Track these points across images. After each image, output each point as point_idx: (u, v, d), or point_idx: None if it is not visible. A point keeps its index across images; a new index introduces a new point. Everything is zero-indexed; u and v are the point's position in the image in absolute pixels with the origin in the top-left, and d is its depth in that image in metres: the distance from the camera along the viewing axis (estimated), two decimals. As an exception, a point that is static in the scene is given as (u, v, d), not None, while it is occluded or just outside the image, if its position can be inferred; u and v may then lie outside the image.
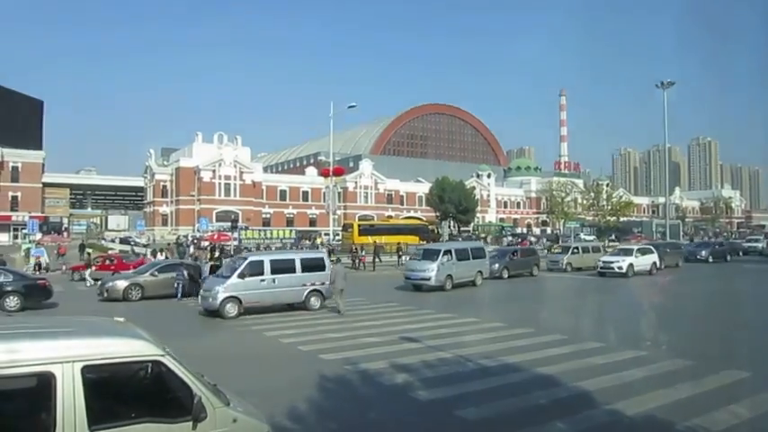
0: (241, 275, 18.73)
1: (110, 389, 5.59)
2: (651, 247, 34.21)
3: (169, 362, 5.59)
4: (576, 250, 36.12)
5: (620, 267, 31.23)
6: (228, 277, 18.85)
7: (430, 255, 26.22)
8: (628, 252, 33.01)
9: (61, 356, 5.19)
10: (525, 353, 13.05)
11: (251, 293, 18.64)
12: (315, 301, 19.81)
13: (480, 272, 27.51)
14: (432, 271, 25.26)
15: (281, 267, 19.49)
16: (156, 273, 24.04)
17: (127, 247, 51.73)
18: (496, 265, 30.42)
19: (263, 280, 18.87)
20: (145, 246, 55.68)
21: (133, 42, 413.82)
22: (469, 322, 17.46)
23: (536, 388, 10.48)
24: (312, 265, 20.09)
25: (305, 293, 19.64)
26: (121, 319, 6.53)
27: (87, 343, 5.40)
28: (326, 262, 20.65)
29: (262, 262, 19.36)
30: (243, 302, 18.54)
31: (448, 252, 26.33)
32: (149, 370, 5.77)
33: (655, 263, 32.91)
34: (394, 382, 10.91)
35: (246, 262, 19.25)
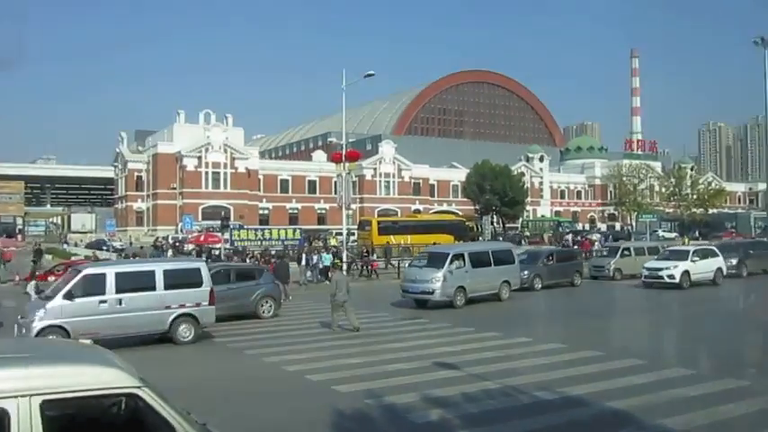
0: (68, 296, 16.12)
1: (75, 428, 5.59)
2: (714, 248, 32.59)
3: (148, 395, 5.53)
4: (626, 252, 35.11)
5: (670, 276, 29.61)
6: (51, 298, 16.37)
7: (435, 260, 25.41)
8: (681, 255, 30.98)
9: (15, 389, 5.15)
10: (592, 382, 12.92)
11: (84, 321, 15.96)
12: (185, 331, 17.58)
13: (507, 282, 26.86)
14: (436, 281, 24.42)
15: (133, 284, 16.97)
16: None
17: (100, 254, 52.40)
18: (526, 273, 29.54)
19: (103, 301, 16.31)
20: (121, 251, 56.35)
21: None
22: (520, 343, 17.50)
23: (608, 428, 10.33)
24: (181, 281, 17.57)
25: (169, 320, 17.31)
26: (88, 342, 6.53)
27: (47, 372, 5.34)
28: (204, 274, 18.15)
29: (103, 276, 16.64)
30: (71, 333, 15.76)
31: (459, 256, 25.34)
32: (123, 405, 5.74)
33: (720, 269, 31.19)
34: (428, 420, 10.88)
35: (79, 276, 16.55)
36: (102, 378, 5.44)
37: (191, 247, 56.21)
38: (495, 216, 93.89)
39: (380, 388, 12.78)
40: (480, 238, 58.49)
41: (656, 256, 33.54)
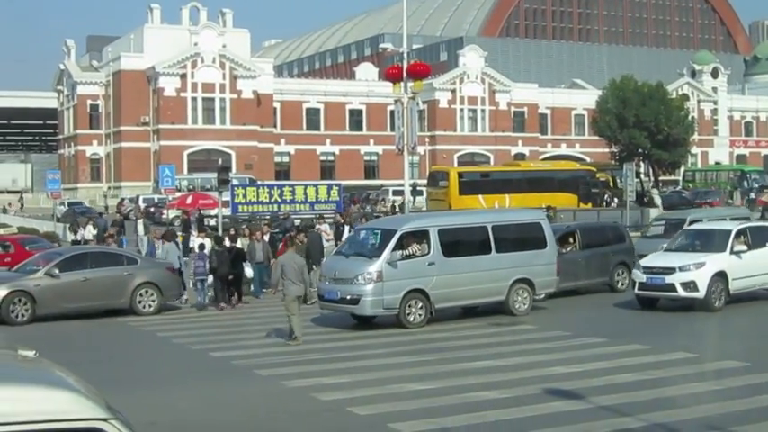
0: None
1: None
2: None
3: (117, 430, 5.80)
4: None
5: (687, 285, 25.00)
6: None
7: (374, 242, 24.64)
8: (707, 239, 27.02)
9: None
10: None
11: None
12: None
13: (525, 282, 25.01)
14: (366, 283, 22.84)
15: None
16: (58, 270, 25.90)
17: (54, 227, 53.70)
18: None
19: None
20: (97, 217, 56.95)
21: None
22: (672, 361, 17.86)
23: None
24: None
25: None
26: (31, 354, 6.80)
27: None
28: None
29: None
30: None
31: (418, 236, 23.89)
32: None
33: None
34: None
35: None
36: (56, 405, 5.67)
37: (173, 214, 57.09)
38: (642, 163, 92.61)
39: (462, 425, 13.12)
40: (622, 198, 57.90)
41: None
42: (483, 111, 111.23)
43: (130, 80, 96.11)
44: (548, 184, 62.37)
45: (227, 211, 46.50)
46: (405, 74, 37.84)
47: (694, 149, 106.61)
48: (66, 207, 71.86)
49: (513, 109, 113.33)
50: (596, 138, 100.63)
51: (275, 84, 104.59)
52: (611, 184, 68.97)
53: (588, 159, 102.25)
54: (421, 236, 23.62)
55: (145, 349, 21.71)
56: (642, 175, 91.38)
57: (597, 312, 26.11)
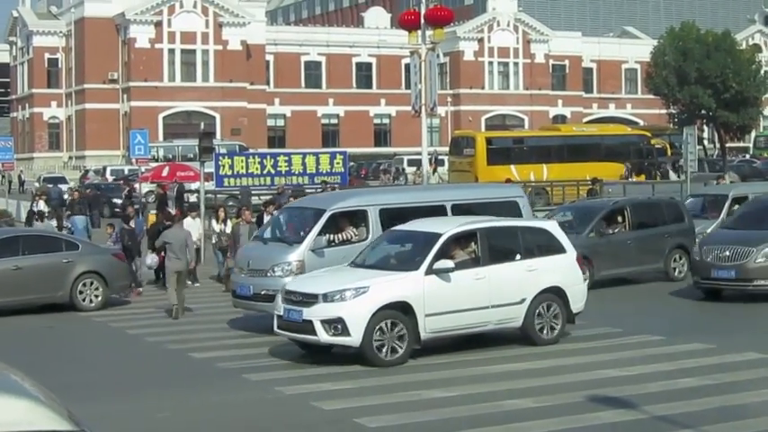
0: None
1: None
2: None
3: (83, 445, 5.84)
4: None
5: (331, 325, 18.75)
6: None
7: (299, 224, 24.10)
8: (414, 246, 21.16)
9: None
10: None
11: None
12: None
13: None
14: (284, 275, 21.93)
15: None
16: None
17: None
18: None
19: None
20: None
21: None
22: (741, 362, 17.91)
23: None
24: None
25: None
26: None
27: None
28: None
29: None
30: None
31: (353, 217, 23.11)
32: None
33: None
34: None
35: None
36: (9, 416, 5.75)
37: (146, 188, 57.17)
38: (705, 127, 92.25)
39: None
40: (681, 168, 57.73)
41: None
42: (516, 64, 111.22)
43: (96, 29, 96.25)
44: (593, 151, 62.29)
45: (210, 185, 46.56)
46: (422, 20, 37.76)
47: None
48: (42, 183, 70.31)
49: (551, 62, 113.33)
50: (651, 97, 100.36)
51: (268, 32, 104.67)
52: (668, 151, 68.83)
53: (641, 122, 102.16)
54: (357, 217, 22.87)
55: (113, 349, 21.81)
56: (706, 141, 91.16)
57: (651, 305, 26.15)
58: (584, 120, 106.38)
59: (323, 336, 18.51)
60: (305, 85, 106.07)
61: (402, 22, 41.72)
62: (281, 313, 19.48)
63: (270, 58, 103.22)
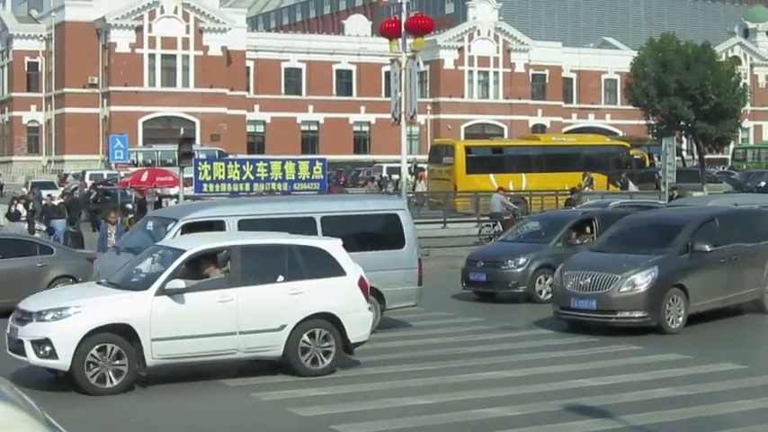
0: None
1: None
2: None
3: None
4: None
5: (40, 346, 17.01)
6: None
7: (154, 234, 22.56)
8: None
9: None
10: None
11: None
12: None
13: (372, 292, 21.16)
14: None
15: None
16: None
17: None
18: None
19: None
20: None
21: None
22: (719, 372, 18.01)
23: None
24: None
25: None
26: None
27: None
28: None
29: None
30: None
31: (212, 227, 22.02)
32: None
33: None
34: None
35: None
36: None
37: (129, 193, 57.04)
38: (684, 138, 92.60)
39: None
40: (660, 180, 57.92)
41: None
42: (496, 73, 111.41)
43: (76, 34, 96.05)
44: (572, 161, 62.32)
45: (189, 191, 46.54)
46: (403, 28, 37.79)
47: (746, 123, 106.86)
48: (29, 189, 69.43)
49: (531, 72, 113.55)
50: (630, 107, 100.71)
51: (249, 38, 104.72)
52: (647, 162, 68.95)
53: (620, 133, 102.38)
54: (213, 228, 21.93)
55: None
56: (685, 153, 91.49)
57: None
58: (564, 130, 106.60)
59: (32, 357, 17.05)
60: (285, 91, 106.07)
61: (383, 30, 41.72)
62: (7, 331, 17.95)
63: (250, 64, 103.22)
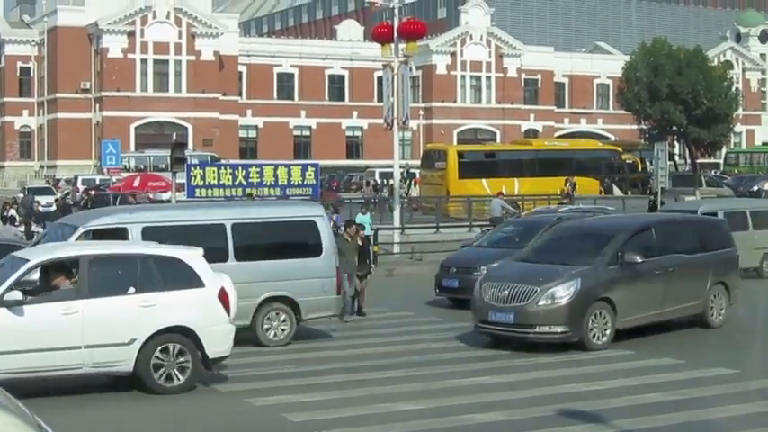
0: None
1: None
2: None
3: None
4: None
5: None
6: None
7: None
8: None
9: None
10: None
11: None
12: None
13: (286, 302, 22.58)
14: None
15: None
16: None
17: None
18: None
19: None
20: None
21: None
22: (710, 377, 17.99)
23: None
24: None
25: None
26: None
27: None
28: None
29: None
30: None
31: (115, 235, 21.33)
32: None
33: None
34: None
35: None
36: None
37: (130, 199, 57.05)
38: (677, 143, 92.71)
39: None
40: (653, 184, 57.95)
41: None
42: (488, 78, 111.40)
43: (68, 39, 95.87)
44: (564, 166, 62.48)
45: (181, 196, 46.50)
46: (395, 33, 37.83)
47: (738, 127, 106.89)
48: (26, 194, 68.22)
49: (524, 77, 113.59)
50: (622, 112, 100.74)
51: (241, 44, 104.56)
52: (639, 166, 69.12)
53: (613, 138, 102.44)
54: (117, 236, 21.05)
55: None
56: (677, 157, 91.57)
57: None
58: (556, 134, 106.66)
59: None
60: (277, 96, 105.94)
61: (375, 35, 41.81)
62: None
63: (243, 69, 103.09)
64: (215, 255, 20.13)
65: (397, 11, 40.70)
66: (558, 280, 20.88)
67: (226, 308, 17.70)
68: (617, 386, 17.20)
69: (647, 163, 65.81)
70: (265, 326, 21.96)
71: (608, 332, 21.02)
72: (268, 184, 50.58)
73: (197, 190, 49.21)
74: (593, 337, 20.79)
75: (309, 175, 52.27)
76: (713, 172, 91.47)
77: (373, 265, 30.53)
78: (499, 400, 16.21)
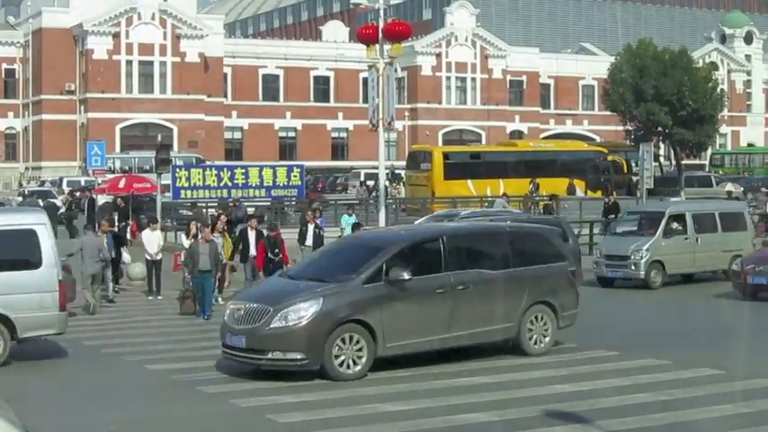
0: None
1: None
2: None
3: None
4: (677, 227, 34.17)
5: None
6: None
7: None
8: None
9: None
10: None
11: None
12: None
13: None
14: None
15: None
16: None
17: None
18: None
19: None
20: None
21: None
22: (697, 378, 18.11)
23: None
24: None
25: None
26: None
27: None
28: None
29: None
30: None
31: None
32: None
33: None
34: None
35: None
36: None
37: (102, 199, 56.82)
38: (662, 144, 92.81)
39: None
40: (637, 185, 58.04)
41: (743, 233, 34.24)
42: (474, 79, 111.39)
43: (53, 40, 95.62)
44: (549, 167, 62.63)
45: (166, 197, 46.46)
46: (380, 34, 37.76)
47: (724, 128, 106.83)
48: (25, 197, 67.16)
49: (509, 78, 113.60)
50: (607, 113, 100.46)
51: (226, 45, 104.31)
52: (625, 168, 69.21)
53: (598, 139, 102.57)
54: None
55: (68, 360, 21.53)
56: (662, 158, 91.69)
57: (605, 318, 26.18)
58: (541, 135, 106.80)
59: None
60: (262, 97, 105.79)
61: (360, 36, 41.67)
62: None
63: (228, 70, 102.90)
64: None
65: (382, 12, 40.66)
66: (296, 300, 18.33)
67: None
68: (605, 387, 17.30)
69: (633, 164, 65.88)
70: None
71: (363, 360, 18.19)
72: (253, 185, 50.67)
73: (182, 191, 49.31)
74: (341, 365, 18.00)
75: (295, 176, 52.40)
76: (699, 173, 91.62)
77: None
78: (489, 400, 16.20)
